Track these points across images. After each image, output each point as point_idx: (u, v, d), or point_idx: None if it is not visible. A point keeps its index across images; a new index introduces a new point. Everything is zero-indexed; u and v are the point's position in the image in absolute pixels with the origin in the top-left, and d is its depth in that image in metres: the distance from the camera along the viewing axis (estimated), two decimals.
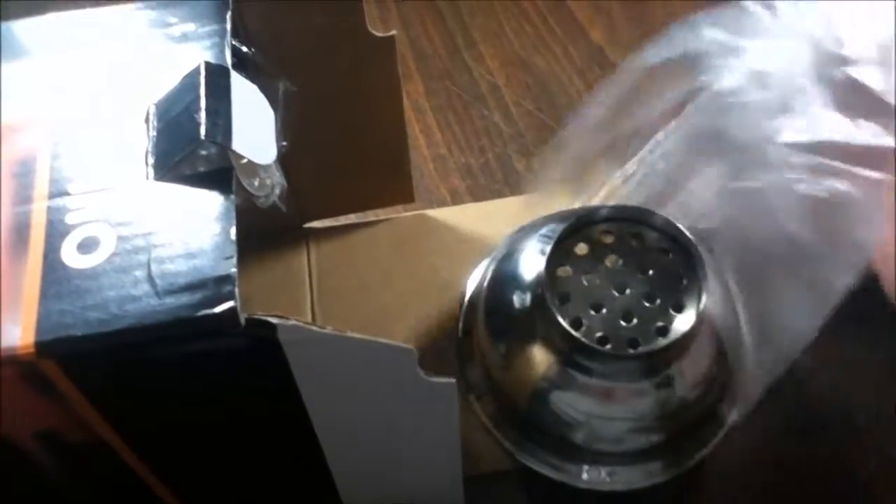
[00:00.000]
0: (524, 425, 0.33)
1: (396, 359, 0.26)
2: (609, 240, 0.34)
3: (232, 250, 0.25)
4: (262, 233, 0.42)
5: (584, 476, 0.33)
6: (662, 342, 0.31)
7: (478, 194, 0.46)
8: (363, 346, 0.26)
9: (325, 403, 0.28)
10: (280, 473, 0.32)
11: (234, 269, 0.25)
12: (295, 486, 0.33)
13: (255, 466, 0.31)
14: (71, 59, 0.31)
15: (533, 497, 0.36)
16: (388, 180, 0.43)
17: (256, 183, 0.30)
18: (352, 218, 0.45)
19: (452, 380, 0.28)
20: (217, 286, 0.24)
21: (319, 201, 0.43)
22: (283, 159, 0.36)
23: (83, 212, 0.26)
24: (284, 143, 0.35)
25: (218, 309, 0.24)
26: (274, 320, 0.24)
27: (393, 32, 0.37)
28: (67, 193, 0.27)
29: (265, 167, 0.29)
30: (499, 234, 0.43)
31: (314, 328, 0.25)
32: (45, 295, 0.25)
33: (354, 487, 0.32)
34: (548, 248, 0.33)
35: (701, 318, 0.31)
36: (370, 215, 0.45)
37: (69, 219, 0.26)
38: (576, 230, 0.33)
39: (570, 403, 0.32)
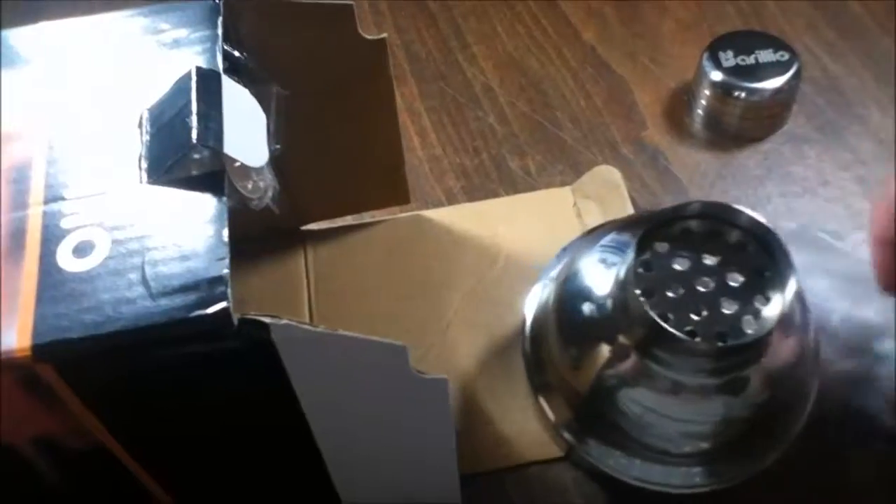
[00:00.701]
0: (588, 419, 0.36)
1: (389, 356, 0.27)
2: (690, 237, 0.34)
3: (224, 252, 0.25)
4: (258, 236, 0.42)
5: (636, 473, 0.35)
6: (751, 335, 0.32)
7: (473, 194, 0.46)
8: (356, 344, 0.26)
9: (320, 402, 0.28)
10: (279, 473, 0.32)
11: (226, 271, 0.25)
12: (294, 485, 0.33)
13: (254, 466, 0.32)
14: (64, 66, 0.31)
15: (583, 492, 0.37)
16: (384, 182, 0.43)
17: (249, 185, 0.31)
18: (348, 220, 0.45)
19: (444, 376, 0.28)
20: (210, 287, 0.25)
21: (316, 204, 0.43)
22: (278, 162, 0.36)
23: (78, 216, 0.27)
24: (278, 147, 0.36)
25: (211, 310, 0.24)
26: (267, 320, 0.25)
27: (384, 35, 0.37)
28: (63, 198, 0.27)
29: (257, 170, 0.30)
30: (495, 235, 0.44)
31: (307, 327, 0.25)
32: (41, 299, 0.25)
33: (353, 486, 0.33)
34: (612, 258, 0.35)
35: (787, 313, 0.32)
36: (366, 217, 0.45)
37: (64, 223, 0.27)
38: (656, 229, 0.34)
39: (640, 400, 0.33)
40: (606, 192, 0.44)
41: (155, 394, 0.27)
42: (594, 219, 0.43)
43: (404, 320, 0.41)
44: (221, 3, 0.34)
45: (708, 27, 0.53)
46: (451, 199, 0.46)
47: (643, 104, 0.50)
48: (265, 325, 0.24)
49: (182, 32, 0.33)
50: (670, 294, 0.33)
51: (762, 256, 0.33)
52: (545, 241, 0.43)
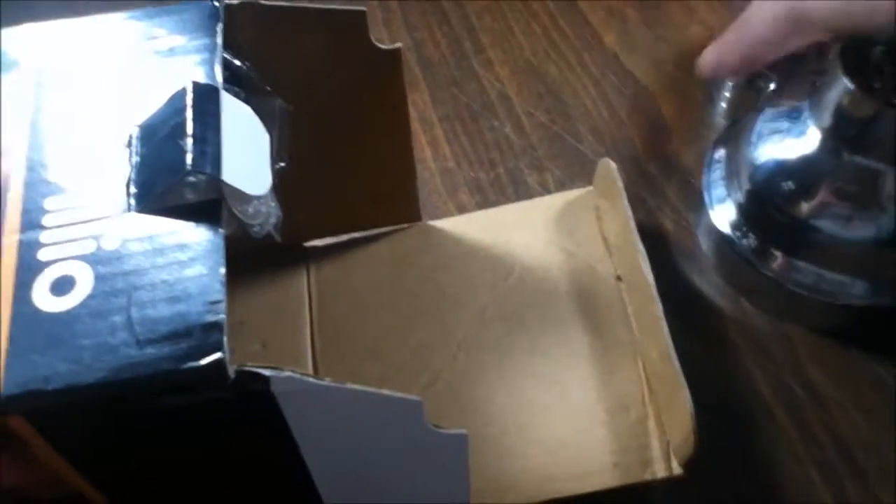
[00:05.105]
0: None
1: (402, 411, 0.24)
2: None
3: (221, 293, 0.23)
4: (260, 253, 0.39)
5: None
6: None
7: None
8: (365, 397, 0.24)
9: (324, 455, 0.25)
10: None
11: (222, 316, 0.22)
12: None
13: None
14: (49, 74, 0.28)
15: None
16: (393, 199, 0.41)
17: (250, 210, 0.28)
18: (352, 233, 0.42)
19: (464, 431, 0.25)
20: (204, 335, 0.22)
21: (321, 220, 0.41)
22: (285, 177, 0.34)
23: (58, 247, 0.24)
24: (283, 164, 0.33)
25: (204, 361, 0.22)
26: (267, 372, 0.22)
27: (398, 45, 0.34)
28: (41, 227, 0.24)
29: (260, 195, 0.27)
30: (508, 243, 0.41)
31: (310, 379, 0.23)
32: (13, 343, 0.22)
33: None
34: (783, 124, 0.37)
35: None
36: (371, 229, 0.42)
37: (42, 255, 0.24)
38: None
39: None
40: (607, 188, 0.40)
41: (139, 445, 0.24)
42: (611, 218, 0.40)
43: (411, 341, 0.39)
44: (222, 8, 0.31)
45: None
46: None
47: (668, 116, 0.47)
48: (265, 378, 0.22)
49: (179, 39, 0.30)
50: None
51: None
52: (563, 248, 0.40)
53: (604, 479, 0.33)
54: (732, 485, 0.34)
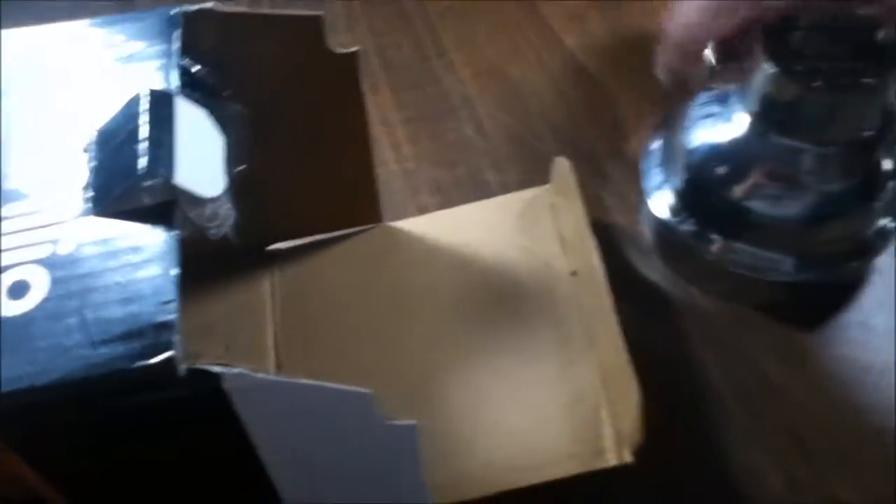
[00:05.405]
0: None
1: (352, 403, 0.25)
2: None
3: (173, 294, 0.23)
4: (225, 256, 0.40)
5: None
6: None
7: None
8: (317, 391, 0.24)
9: (280, 450, 0.26)
10: None
11: (173, 315, 0.23)
12: None
13: None
14: (9, 78, 0.29)
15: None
16: (355, 201, 0.41)
17: (207, 212, 0.28)
18: (316, 236, 0.43)
19: (413, 422, 0.26)
20: (156, 334, 0.23)
21: (284, 223, 0.41)
22: (246, 181, 0.34)
23: (14, 252, 0.25)
24: (243, 167, 0.34)
25: (155, 360, 0.22)
26: (217, 369, 0.23)
27: (356, 48, 0.35)
28: None
29: (215, 197, 0.28)
30: (468, 243, 0.42)
31: (261, 375, 0.23)
32: None
33: None
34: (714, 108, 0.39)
35: None
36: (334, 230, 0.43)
37: None
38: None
39: None
40: (563, 186, 0.41)
41: (98, 446, 0.25)
42: (566, 215, 0.41)
43: (374, 341, 0.39)
44: (180, 15, 0.32)
45: None
46: None
47: (626, 114, 0.48)
48: (216, 375, 0.23)
49: (138, 45, 0.31)
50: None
51: None
52: (521, 246, 0.41)
53: (558, 469, 0.34)
54: (683, 470, 0.35)
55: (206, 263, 0.38)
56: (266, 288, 0.41)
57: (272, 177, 0.38)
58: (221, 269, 0.40)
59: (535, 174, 0.46)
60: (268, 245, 0.42)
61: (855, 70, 0.36)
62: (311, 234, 0.42)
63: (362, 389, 0.24)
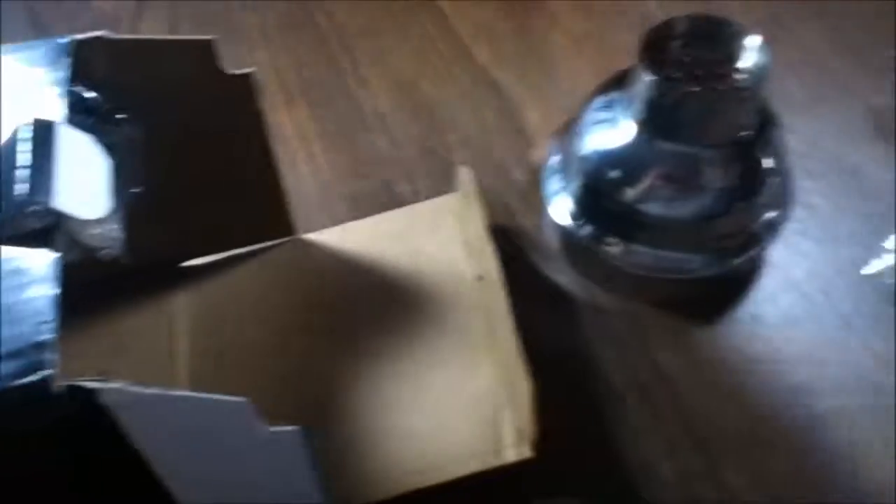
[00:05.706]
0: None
1: (231, 412, 0.26)
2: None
3: (51, 314, 0.24)
4: (134, 275, 0.41)
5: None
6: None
7: None
8: (196, 402, 0.25)
9: (171, 461, 0.27)
10: None
11: (51, 335, 0.24)
12: None
13: None
14: None
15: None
16: (265, 216, 0.42)
17: (95, 234, 0.29)
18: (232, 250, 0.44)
19: (296, 427, 0.27)
20: (35, 353, 0.24)
21: (194, 241, 0.42)
22: (151, 202, 0.35)
23: None
24: (138, 189, 0.35)
25: (31, 378, 0.23)
26: (93, 385, 0.24)
27: (250, 69, 0.36)
28: None
29: (102, 220, 0.29)
30: (380, 252, 0.43)
31: (136, 388, 0.24)
32: None
33: None
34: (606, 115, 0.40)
35: None
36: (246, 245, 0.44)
37: None
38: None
39: None
40: (466, 193, 0.43)
41: None
42: (469, 221, 0.42)
43: (287, 353, 0.40)
44: (72, 43, 0.33)
45: (598, 38, 0.53)
46: None
47: (533, 124, 0.50)
48: (91, 391, 0.24)
49: (37, 72, 0.32)
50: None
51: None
52: (428, 253, 0.42)
53: (461, 468, 0.35)
54: (581, 462, 0.37)
55: (118, 283, 0.39)
56: (179, 305, 0.42)
57: (180, 196, 0.39)
58: (132, 288, 0.41)
59: (446, 183, 0.47)
60: (180, 262, 0.43)
61: (728, 74, 0.38)
62: (224, 249, 0.43)
63: (238, 398, 0.25)
